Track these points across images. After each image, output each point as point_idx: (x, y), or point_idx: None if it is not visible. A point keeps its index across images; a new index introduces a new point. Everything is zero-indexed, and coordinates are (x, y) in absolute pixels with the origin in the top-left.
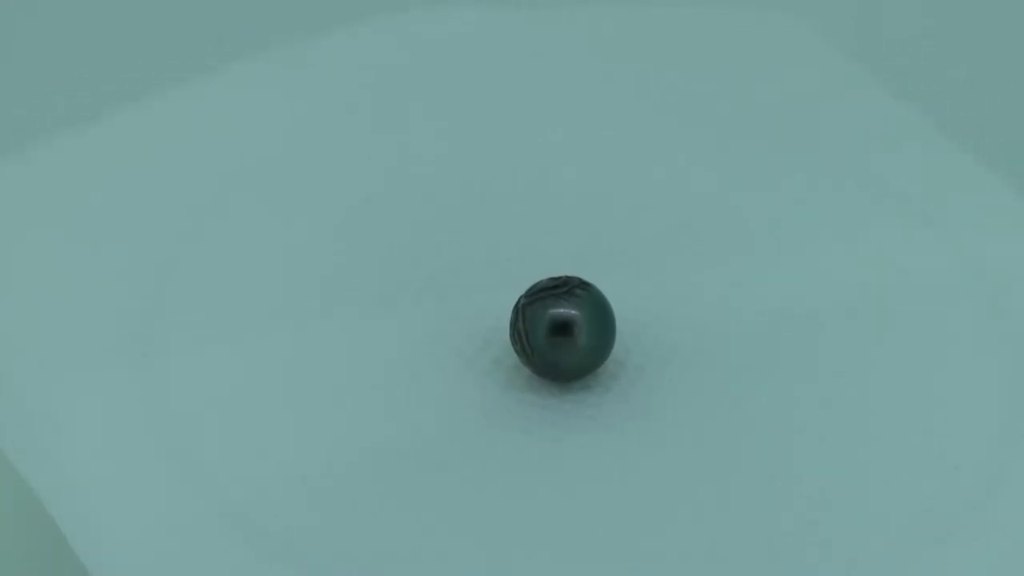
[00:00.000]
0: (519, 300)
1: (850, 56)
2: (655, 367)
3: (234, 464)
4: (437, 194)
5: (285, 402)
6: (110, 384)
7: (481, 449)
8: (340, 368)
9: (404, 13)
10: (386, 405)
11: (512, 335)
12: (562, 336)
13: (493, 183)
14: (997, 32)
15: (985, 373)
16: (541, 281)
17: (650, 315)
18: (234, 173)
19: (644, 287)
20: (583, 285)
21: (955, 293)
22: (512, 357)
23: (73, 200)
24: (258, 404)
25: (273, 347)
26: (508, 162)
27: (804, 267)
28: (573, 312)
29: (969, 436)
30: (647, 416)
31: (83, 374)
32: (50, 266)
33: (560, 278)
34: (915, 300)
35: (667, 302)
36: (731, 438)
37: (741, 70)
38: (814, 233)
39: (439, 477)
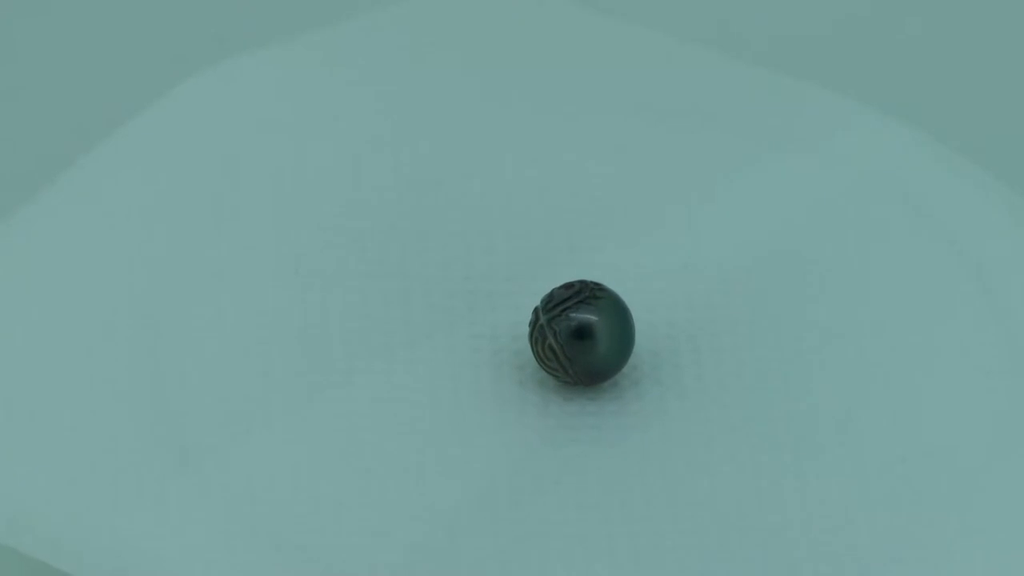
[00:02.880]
0: (539, 318)
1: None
2: (668, 366)
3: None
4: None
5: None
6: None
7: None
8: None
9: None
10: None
11: (542, 352)
12: (595, 341)
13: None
14: (997, 32)
15: (985, 373)
16: (554, 293)
17: (659, 317)
18: (236, 181)
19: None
20: (597, 287)
21: (955, 292)
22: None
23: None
24: (273, 415)
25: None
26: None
27: (805, 267)
28: (597, 318)
29: (967, 435)
30: (659, 419)
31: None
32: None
33: (572, 286)
34: (916, 300)
35: (671, 303)
36: (745, 439)
37: None
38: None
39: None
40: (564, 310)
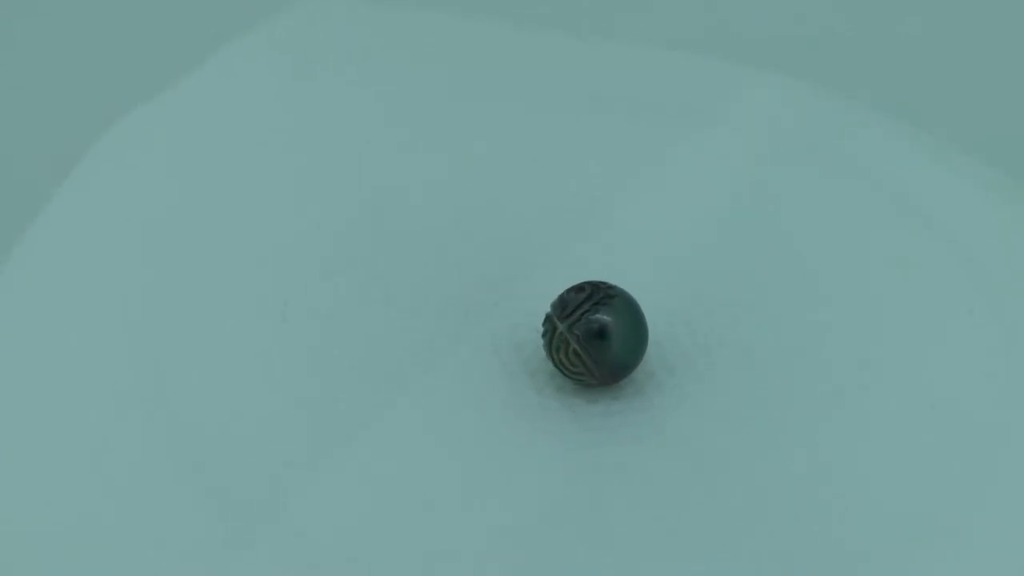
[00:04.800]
0: (556, 326)
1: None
2: (673, 353)
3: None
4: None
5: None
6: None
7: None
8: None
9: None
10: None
11: (566, 359)
12: (617, 339)
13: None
14: (995, 31)
15: (984, 372)
16: (566, 298)
17: (674, 317)
18: (243, 179)
19: (665, 291)
20: (607, 286)
21: (954, 292)
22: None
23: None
24: (275, 408)
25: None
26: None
27: (805, 269)
28: (616, 317)
29: (966, 434)
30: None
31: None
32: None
33: (583, 288)
34: (916, 300)
35: (680, 304)
36: (758, 442)
37: None
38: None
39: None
40: (583, 313)
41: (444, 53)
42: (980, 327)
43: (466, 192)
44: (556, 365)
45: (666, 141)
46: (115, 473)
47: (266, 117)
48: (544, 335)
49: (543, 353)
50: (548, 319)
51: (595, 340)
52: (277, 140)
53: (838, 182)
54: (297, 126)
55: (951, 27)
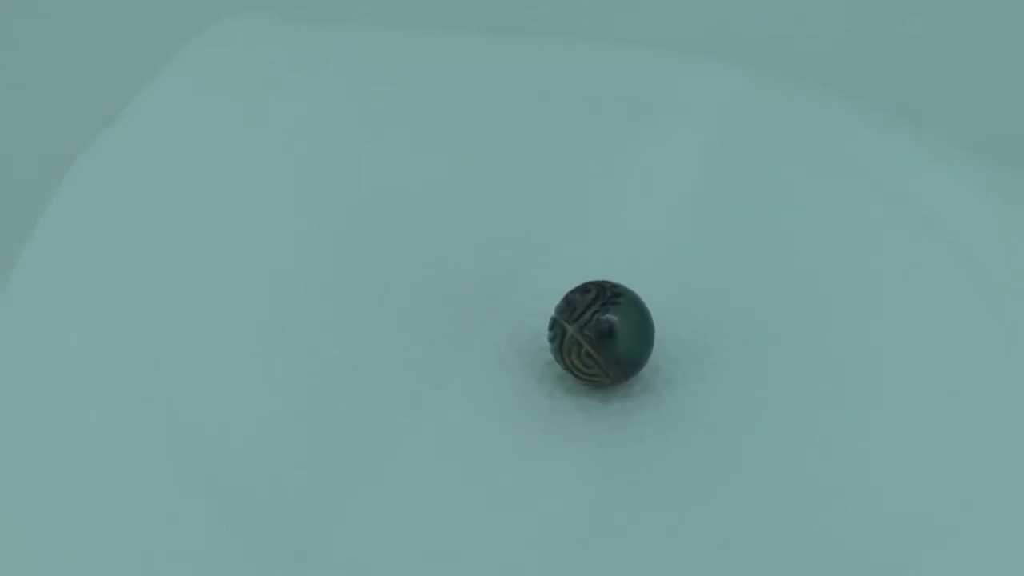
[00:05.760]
0: (566, 329)
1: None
2: (676, 346)
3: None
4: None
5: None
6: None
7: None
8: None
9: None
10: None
11: (578, 361)
12: (627, 337)
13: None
14: (995, 31)
15: (983, 372)
16: (573, 301)
17: (680, 318)
18: (249, 181)
19: (670, 292)
20: (611, 285)
21: (955, 292)
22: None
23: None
24: (283, 409)
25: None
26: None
27: (807, 270)
28: (625, 316)
29: (967, 434)
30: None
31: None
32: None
33: (588, 289)
34: (916, 299)
35: (685, 305)
36: (765, 440)
37: None
38: (816, 236)
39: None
40: (594, 314)
41: (380, 63)
42: (980, 327)
43: (439, 200)
44: (567, 368)
45: (627, 135)
46: (115, 474)
47: (214, 139)
48: (553, 339)
49: (546, 357)
50: (555, 323)
51: (607, 340)
52: (243, 157)
53: (838, 182)
54: (246, 143)
55: (951, 27)
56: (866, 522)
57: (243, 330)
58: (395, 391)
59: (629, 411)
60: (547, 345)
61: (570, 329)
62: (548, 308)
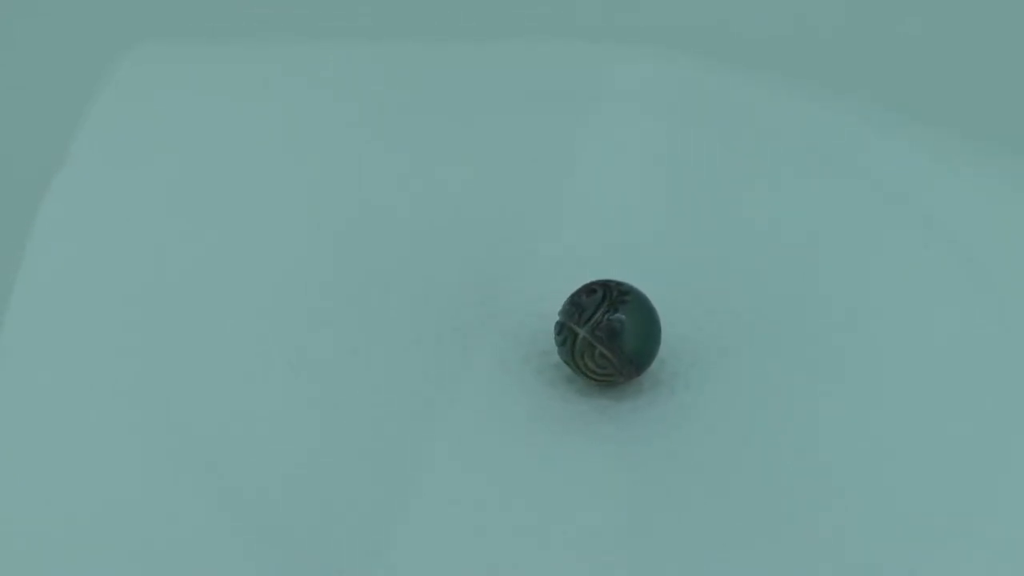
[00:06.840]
0: (576, 332)
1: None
2: (678, 341)
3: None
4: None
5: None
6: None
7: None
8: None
9: None
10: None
11: (591, 363)
12: (637, 334)
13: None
14: (995, 31)
15: (984, 372)
16: (580, 303)
17: (681, 315)
18: (250, 183)
19: (673, 291)
20: (616, 284)
21: (955, 292)
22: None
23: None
24: (289, 409)
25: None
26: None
27: (807, 270)
28: (634, 315)
29: (967, 434)
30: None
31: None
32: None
33: (594, 291)
34: (916, 299)
35: (687, 305)
36: (770, 440)
37: None
38: (816, 237)
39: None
40: (604, 314)
41: (304, 77)
42: (980, 327)
43: (410, 213)
44: (580, 370)
45: (574, 129)
46: (115, 473)
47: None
48: (563, 343)
49: (553, 360)
50: (563, 327)
51: (619, 339)
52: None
53: (838, 182)
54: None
55: (951, 27)
56: (867, 519)
57: (243, 330)
58: (403, 402)
59: (642, 408)
60: (551, 348)
61: (581, 331)
62: (545, 310)
